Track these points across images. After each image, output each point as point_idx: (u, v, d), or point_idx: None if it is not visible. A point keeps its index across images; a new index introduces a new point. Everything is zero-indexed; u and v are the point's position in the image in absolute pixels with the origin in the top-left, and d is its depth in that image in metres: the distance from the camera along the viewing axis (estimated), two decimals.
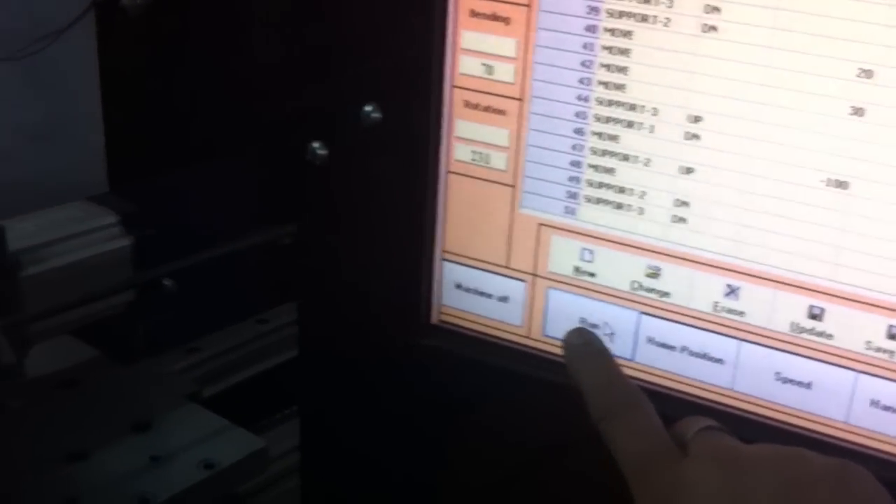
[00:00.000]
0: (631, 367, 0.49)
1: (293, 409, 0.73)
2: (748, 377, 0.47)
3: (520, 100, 0.48)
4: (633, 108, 0.46)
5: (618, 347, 0.49)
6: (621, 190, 0.47)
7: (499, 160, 0.50)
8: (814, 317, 0.45)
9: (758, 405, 0.47)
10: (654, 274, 0.48)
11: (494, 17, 0.48)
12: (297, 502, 0.66)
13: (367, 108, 0.50)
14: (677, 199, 0.46)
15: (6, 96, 1.15)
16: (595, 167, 0.47)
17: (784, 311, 0.45)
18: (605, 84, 0.46)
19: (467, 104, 0.50)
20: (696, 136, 0.45)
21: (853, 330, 0.44)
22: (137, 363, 0.71)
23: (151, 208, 0.69)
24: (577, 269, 0.49)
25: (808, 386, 0.45)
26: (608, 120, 0.47)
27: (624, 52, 0.46)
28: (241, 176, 0.87)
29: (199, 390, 0.69)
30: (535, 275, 0.50)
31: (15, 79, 1.16)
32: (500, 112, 0.49)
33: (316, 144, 0.51)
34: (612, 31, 0.46)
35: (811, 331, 0.45)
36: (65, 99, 1.20)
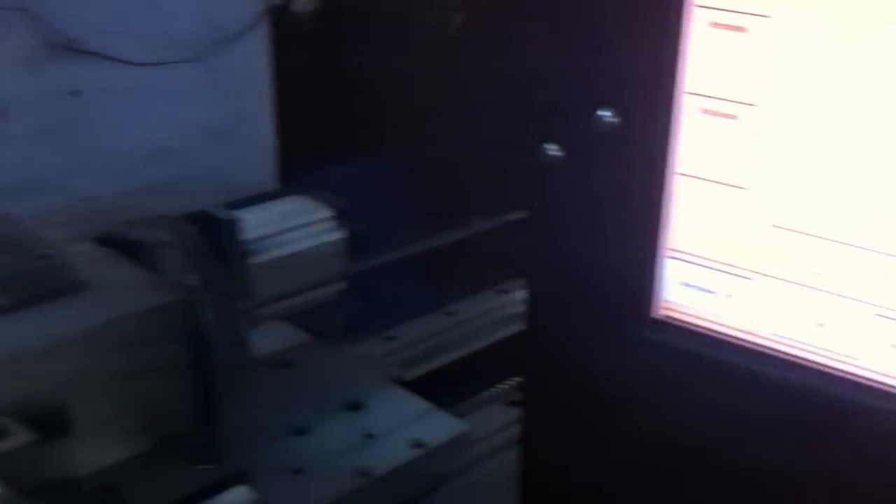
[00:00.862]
0: (856, 365, 0.50)
1: (485, 396, 0.77)
2: None
3: (753, 106, 0.51)
4: (864, 123, 0.48)
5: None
6: (852, 196, 0.49)
7: (730, 163, 0.52)
8: None
9: None
10: (887, 277, 0.49)
11: (732, 27, 0.50)
12: (493, 485, 0.70)
13: (604, 113, 0.53)
14: None
15: (191, 96, 1.23)
16: (829, 174, 0.49)
17: None
18: (837, 90, 0.48)
19: (701, 109, 0.52)
20: None
21: None
22: (341, 348, 0.76)
23: (359, 203, 0.74)
24: (805, 268, 0.51)
25: None
26: (840, 130, 0.48)
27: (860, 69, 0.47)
28: (432, 174, 0.92)
29: (401, 375, 0.73)
30: (762, 273, 0.52)
31: (199, 80, 1.24)
32: (733, 117, 0.51)
33: (551, 146, 0.54)
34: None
35: None
36: (242, 98, 1.27)
